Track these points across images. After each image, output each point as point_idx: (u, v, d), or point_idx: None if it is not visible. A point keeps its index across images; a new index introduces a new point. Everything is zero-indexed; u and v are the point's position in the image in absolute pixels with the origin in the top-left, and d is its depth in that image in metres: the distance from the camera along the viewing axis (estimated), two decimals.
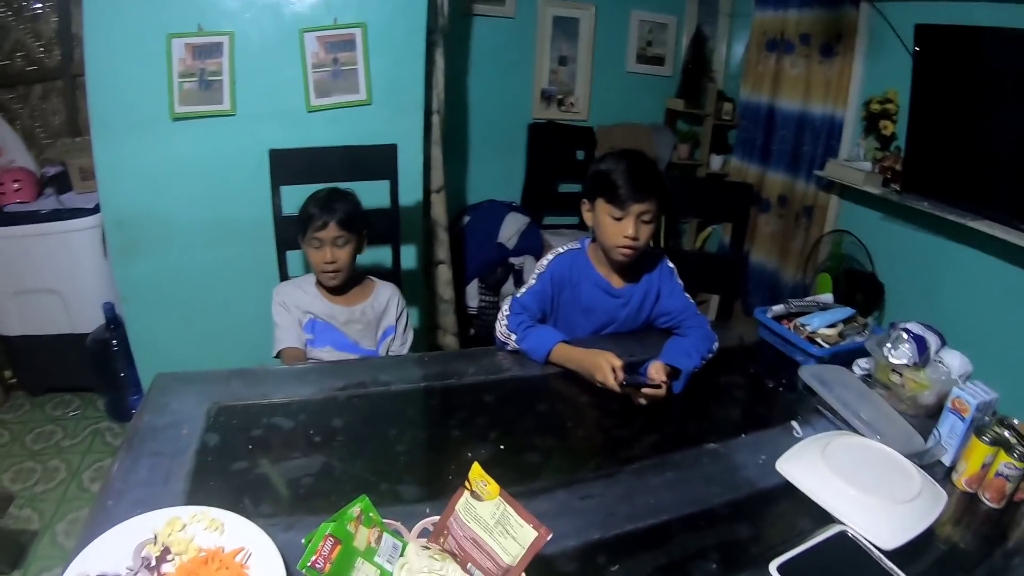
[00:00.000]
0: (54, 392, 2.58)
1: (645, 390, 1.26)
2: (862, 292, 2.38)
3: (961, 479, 1.12)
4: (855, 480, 1.03)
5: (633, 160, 1.45)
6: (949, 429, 1.18)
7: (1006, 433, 1.09)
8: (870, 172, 2.44)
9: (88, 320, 2.41)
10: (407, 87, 2.23)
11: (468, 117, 3.32)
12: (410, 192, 2.31)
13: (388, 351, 1.76)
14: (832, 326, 1.57)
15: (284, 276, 1.87)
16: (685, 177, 3.31)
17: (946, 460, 1.18)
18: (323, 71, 2.12)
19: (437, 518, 0.81)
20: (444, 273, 2.78)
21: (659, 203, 1.45)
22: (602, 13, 3.35)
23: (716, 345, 1.49)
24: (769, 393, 1.43)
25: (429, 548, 0.77)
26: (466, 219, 3.23)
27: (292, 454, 1.08)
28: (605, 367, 1.29)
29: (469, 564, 0.76)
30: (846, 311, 1.62)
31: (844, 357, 1.48)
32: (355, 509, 0.77)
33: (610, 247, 1.48)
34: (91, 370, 2.43)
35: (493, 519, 0.75)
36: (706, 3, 3.53)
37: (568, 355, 1.39)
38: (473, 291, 3.09)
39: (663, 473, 1.09)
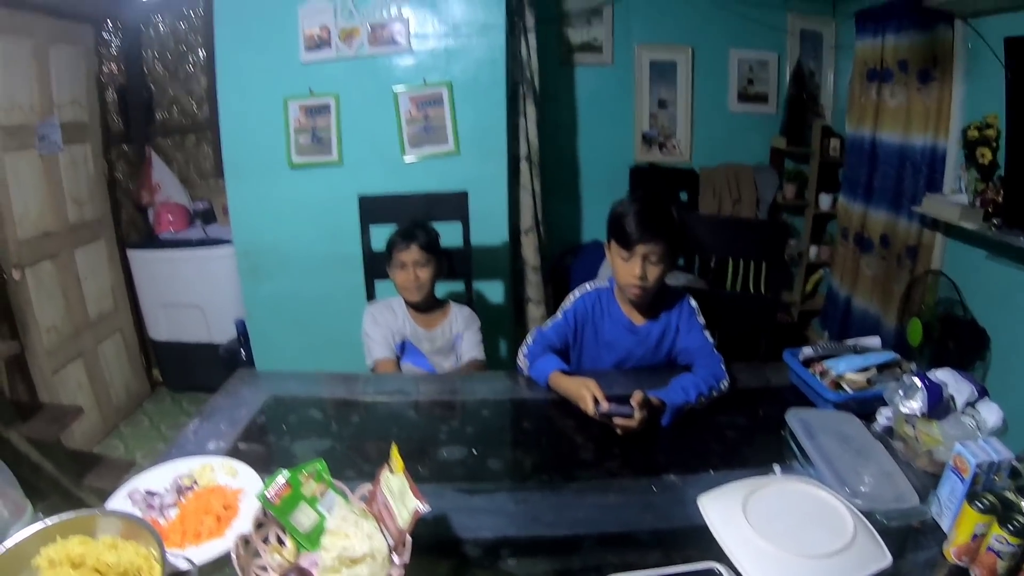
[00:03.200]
0: (192, 391, 3.33)
1: (617, 420, 1.45)
2: (956, 340, 2.31)
3: (950, 549, 1.06)
4: (762, 526, 1.06)
5: (643, 203, 1.67)
6: (949, 491, 1.12)
7: (1010, 497, 1.03)
8: (967, 206, 2.38)
9: (223, 332, 3.12)
10: (491, 137, 2.64)
11: (575, 161, 3.71)
12: (495, 233, 2.72)
13: (448, 350, 2.10)
14: (863, 370, 1.59)
15: (371, 300, 2.26)
16: (717, 217, 3.39)
17: (944, 526, 1.12)
18: (415, 125, 2.61)
19: None
20: (534, 311, 3.12)
21: (667, 245, 1.65)
22: (700, 54, 3.58)
23: (725, 384, 1.63)
24: (765, 436, 1.49)
25: (356, 507, 1.09)
26: (572, 259, 3.58)
27: (310, 436, 1.48)
28: (586, 395, 1.50)
29: (382, 524, 1.07)
30: (885, 356, 1.63)
31: (870, 404, 1.50)
32: (312, 467, 1.12)
33: (623, 286, 1.72)
34: (223, 375, 3.10)
35: (398, 490, 1.05)
36: (808, 37, 3.62)
37: (559, 383, 1.63)
38: None
39: (605, 494, 1.28)
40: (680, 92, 3.61)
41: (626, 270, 1.67)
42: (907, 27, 2.80)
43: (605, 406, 1.47)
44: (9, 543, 0.91)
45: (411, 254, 2.00)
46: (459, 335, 2.12)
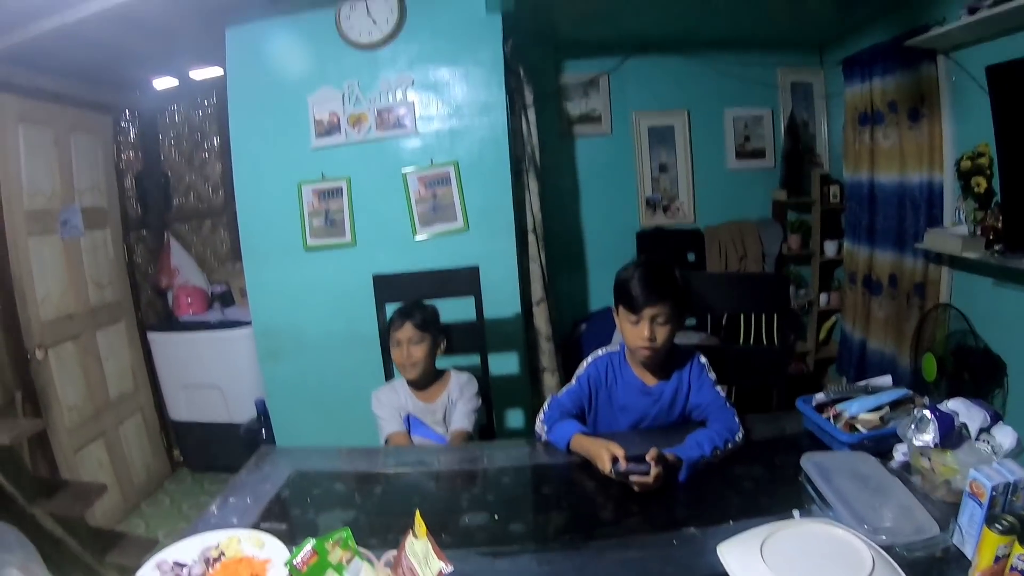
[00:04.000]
0: (212, 471, 3.37)
1: (633, 477, 1.48)
2: (970, 370, 2.33)
3: (975, 574, 1.08)
4: (781, 568, 1.09)
5: (646, 268, 1.75)
6: (969, 517, 1.15)
7: None
8: (969, 236, 2.44)
9: (242, 412, 3.18)
10: (498, 212, 2.76)
11: (580, 231, 3.83)
12: (508, 305, 2.79)
13: (448, 420, 2.14)
14: (876, 410, 1.61)
15: (389, 378, 2.35)
16: (720, 275, 3.46)
17: (968, 552, 1.15)
18: (425, 204, 2.74)
19: None
20: (549, 379, 3.16)
21: (673, 305, 1.72)
22: (695, 117, 3.76)
23: (740, 436, 1.67)
24: (783, 483, 1.52)
25: (381, 572, 1.14)
26: (583, 327, 3.64)
27: (334, 508, 1.53)
28: (604, 456, 1.53)
29: None
30: (898, 393, 1.65)
31: (886, 442, 1.53)
32: (337, 535, 1.17)
33: (633, 348, 1.79)
34: (243, 455, 3.14)
35: (423, 554, 1.11)
36: (799, 89, 3.77)
37: (580, 444, 1.67)
38: None
39: (625, 551, 1.31)
40: (679, 155, 3.76)
41: (635, 333, 1.73)
42: (892, 69, 2.94)
43: (623, 465, 1.50)
44: None
45: (405, 332, 2.09)
46: (454, 403, 2.17)
